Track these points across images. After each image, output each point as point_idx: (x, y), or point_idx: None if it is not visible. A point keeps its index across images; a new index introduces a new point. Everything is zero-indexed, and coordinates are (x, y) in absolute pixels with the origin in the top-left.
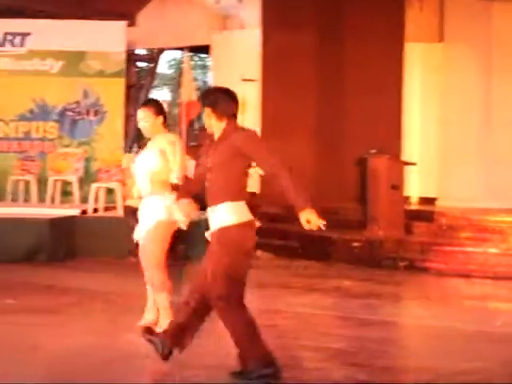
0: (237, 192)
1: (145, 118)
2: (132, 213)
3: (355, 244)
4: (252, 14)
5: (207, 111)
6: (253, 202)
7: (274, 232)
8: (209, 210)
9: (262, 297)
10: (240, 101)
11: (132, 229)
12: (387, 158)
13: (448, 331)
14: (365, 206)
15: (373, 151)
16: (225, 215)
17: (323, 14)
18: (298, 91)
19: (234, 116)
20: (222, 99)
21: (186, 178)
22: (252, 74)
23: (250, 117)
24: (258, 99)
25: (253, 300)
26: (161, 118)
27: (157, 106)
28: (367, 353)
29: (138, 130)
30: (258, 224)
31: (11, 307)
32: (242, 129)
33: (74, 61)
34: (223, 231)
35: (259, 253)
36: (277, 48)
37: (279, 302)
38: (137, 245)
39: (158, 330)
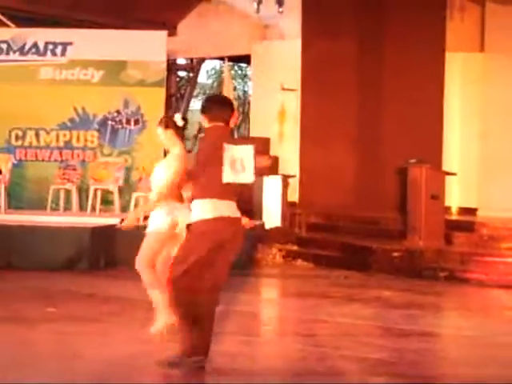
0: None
1: (159, 134)
2: None
3: (395, 254)
4: (292, 24)
5: (201, 117)
6: (292, 211)
7: (314, 241)
8: None
9: (302, 306)
10: (280, 110)
11: None
12: (427, 167)
13: (488, 342)
14: (405, 215)
15: (413, 161)
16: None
17: (363, 23)
18: (337, 100)
19: (225, 121)
20: (214, 106)
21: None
22: (292, 84)
23: (289, 126)
24: (297, 108)
25: (293, 309)
26: (169, 131)
27: (165, 121)
28: (407, 363)
29: None
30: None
31: (52, 316)
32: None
33: (114, 70)
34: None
35: (299, 262)
36: (317, 57)
37: (319, 311)
38: None
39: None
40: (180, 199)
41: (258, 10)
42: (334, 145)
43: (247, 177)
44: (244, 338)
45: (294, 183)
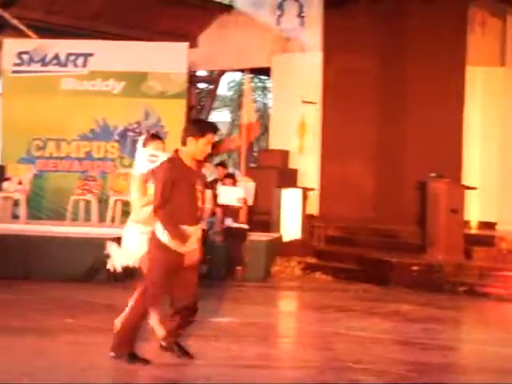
0: None
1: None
2: None
3: (414, 268)
4: (313, 37)
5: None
6: (311, 224)
7: (333, 254)
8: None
9: (321, 319)
10: (300, 123)
11: None
12: (447, 181)
13: (508, 356)
14: (424, 229)
15: (433, 175)
16: None
17: (384, 37)
18: (358, 114)
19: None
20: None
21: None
22: (312, 97)
23: (309, 139)
24: (317, 121)
25: (311, 322)
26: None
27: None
28: (427, 377)
29: None
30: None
31: (71, 326)
32: None
33: (135, 81)
34: None
35: (317, 275)
36: (337, 71)
37: (338, 325)
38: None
39: None
40: None
41: (278, 23)
42: (354, 158)
43: None
44: (263, 351)
45: (313, 196)
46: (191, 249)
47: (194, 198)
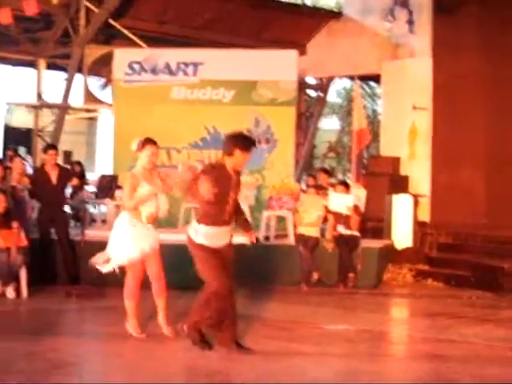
0: None
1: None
2: (303, 241)
3: None
4: (423, 43)
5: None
6: (422, 231)
7: (445, 261)
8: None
9: (433, 326)
10: (411, 129)
11: (303, 257)
12: None
13: None
14: None
15: None
16: None
17: (495, 41)
18: (468, 119)
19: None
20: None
21: None
22: (423, 103)
23: (420, 145)
24: (428, 127)
25: (423, 329)
26: None
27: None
28: None
29: (309, 159)
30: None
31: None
32: None
33: (245, 90)
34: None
35: (429, 281)
36: (447, 76)
37: (451, 331)
38: (308, 273)
39: None
40: None
41: (389, 29)
42: (465, 163)
43: None
44: (374, 358)
45: (425, 203)
46: (223, 244)
47: (227, 203)
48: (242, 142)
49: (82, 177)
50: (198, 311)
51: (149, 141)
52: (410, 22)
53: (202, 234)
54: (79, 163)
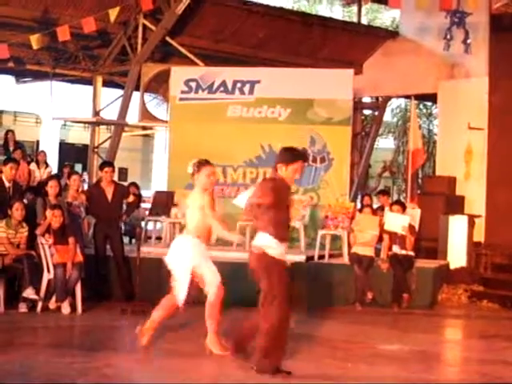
0: None
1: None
2: (358, 260)
3: None
4: (479, 63)
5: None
6: (477, 251)
7: (500, 282)
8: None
9: (488, 348)
10: (467, 149)
11: (357, 276)
12: None
13: None
14: None
15: None
16: None
17: None
18: None
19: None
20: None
21: None
22: (479, 123)
23: (476, 165)
24: (484, 148)
25: (478, 351)
26: None
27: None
28: None
29: (364, 178)
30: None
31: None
32: None
33: (301, 108)
34: None
35: (484, 303)
36: (504, 96)
37: (507, 354)
38: (362, 293)
39: None
40: None
41: (446, 49)
42: None
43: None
44: (428, 377)
45: (480, 223)
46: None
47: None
48: (284, 154)
49: (138, 196)
50: (264, 340)
51: (204, 162)
52: (466, 42)
53: (275, 249)
54: (135, 184)
